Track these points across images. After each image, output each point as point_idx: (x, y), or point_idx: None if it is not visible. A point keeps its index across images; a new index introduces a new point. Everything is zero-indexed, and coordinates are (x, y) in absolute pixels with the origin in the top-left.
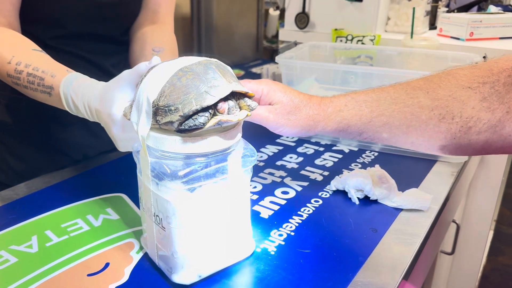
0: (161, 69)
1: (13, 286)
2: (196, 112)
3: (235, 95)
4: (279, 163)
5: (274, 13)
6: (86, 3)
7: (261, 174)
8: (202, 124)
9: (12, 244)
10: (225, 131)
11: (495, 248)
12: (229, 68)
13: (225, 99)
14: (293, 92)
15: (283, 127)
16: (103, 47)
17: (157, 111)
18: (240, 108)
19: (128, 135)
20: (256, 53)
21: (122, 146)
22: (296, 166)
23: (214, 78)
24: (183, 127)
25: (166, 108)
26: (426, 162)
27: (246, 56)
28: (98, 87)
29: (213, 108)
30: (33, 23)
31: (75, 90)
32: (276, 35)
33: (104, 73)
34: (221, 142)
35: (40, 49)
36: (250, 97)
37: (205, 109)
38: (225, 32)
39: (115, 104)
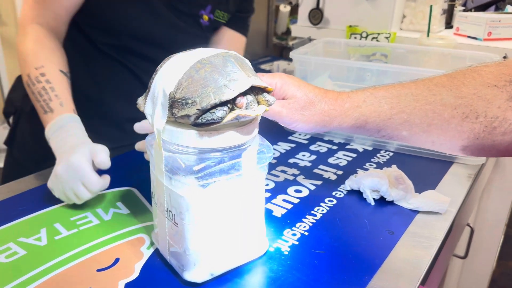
0: (178, 60)
1: (21, 279)
2: (214, 106)
3: (253, 90)
4: (291, 160)
5: (284, 9)
6: (146, 20)
7: (273, 172)
8: (220, 119)
9: (21, 236)
10: (242, 126)
11: (504, 252)
12: (247, 61)
13: (244, 93)
14: (307, 87)
15: (297, 122)
16: (149, 65)
17: (174, 103)
18: (258, 102)
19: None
20: (265, 50)
21: (53, 186)
22: (309, 164)
23: (233, 72)
24: (200, 120)
25: (183, 101)
26: (443, 164)
27: (255, 52)
28: (69, 149)
29: (231, 102)
30: (91, 27)
31: (63, 128)
32: (286, 32)
33: (144, 87)
34: (237, 137)
35: (66, 71)
36: (268, 92)
37: (223, 103)
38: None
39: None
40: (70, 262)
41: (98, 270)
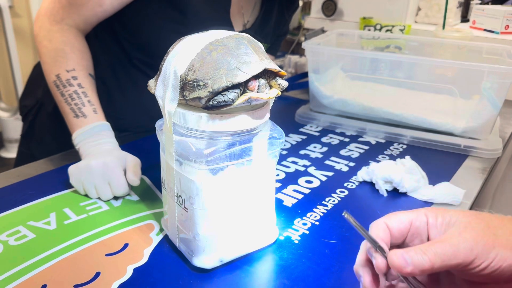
0: (190, 41)
1: (31, 261)
2: (226, 89)
3: (266, 73)
4: (302, 152)
5: None
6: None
7: (284, 162)
8: (231, 101)
9: (30, 220)
10: (254, 110)
11: None
12: (260, 44)
13: (256, 76)
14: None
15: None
16: None
17: (185, 85)
18: (271, 86)
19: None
20: None
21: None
22: (320, 155)
23: (246, 54)
24: (211, 103)
25: (195, 83)
26: (457, 157)
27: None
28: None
29: (242, 85)
30: (128, 41)
31: (97, 134)
32: (298, 28)
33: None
34: (249, 121)
35: (93, 75)
36: (281, 76)
37: (235, 86)
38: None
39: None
40: (79, 246)
41: (107, 255)
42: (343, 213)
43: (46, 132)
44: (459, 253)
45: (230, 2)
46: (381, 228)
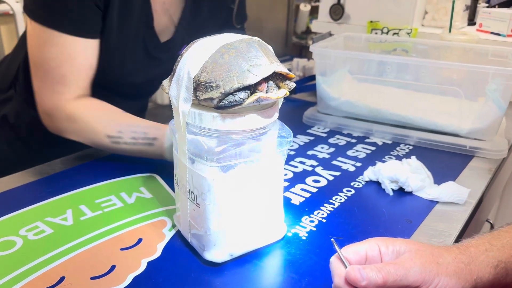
0: (203, 44)
1: (49, 255)
2: (237, 90)
3: (275, 76)
4: (310, 152)
5: (305, 8)
6: (142, 71)
7: (291, 163)
8: (242, 100)
9: (48, 216)
10: (263, 109)
11: None
12: (270, 47)
13: (266, 79)
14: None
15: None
16: (121, 100)
17: (198, 86)
18: (279, 87)
19: None
20: (285, 49)
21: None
22: (327, 156)
23: (257, 57)
24: (222, 103)
25: (207, 84)
26: (463, 157)
27: (274, 51)
28: None
29: (252, 86)
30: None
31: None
32: (306, 31)
33: None
34: (258, 120)
35: (125, 112)
36: (290, 78)
37: (246, 88)
38: (254, 26)
39: None
40: (95, 241)
41: (122, 249)
42: (331, 239)
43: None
44: (410, 276)
45: (152, 15)
46: (350, 251)
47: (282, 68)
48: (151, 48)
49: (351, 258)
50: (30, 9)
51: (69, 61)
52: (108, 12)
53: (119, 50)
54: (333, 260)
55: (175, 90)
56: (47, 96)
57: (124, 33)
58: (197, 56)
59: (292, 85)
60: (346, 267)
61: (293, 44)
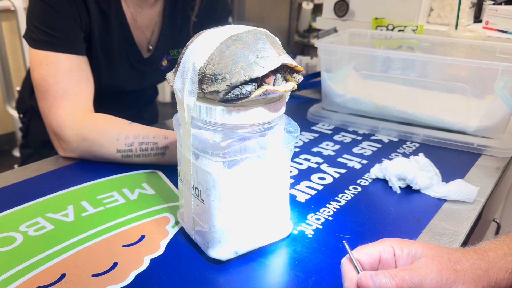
0: (209, 36)
1: (50, 251)
2: (244, 83)
3: (283, 68)
4: (315, 149)
5: (307, 7)
6: (131, 82)
7: (296, 160)
8: (248, 93)
9: (49, 212)
10: (270, 103)
11: None
12: (278, 39)
13: (274, 71)
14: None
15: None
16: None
17: (203, 79)
18: (287, 80)
19: None
20: (287, 47)
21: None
22: (333, 153)
23: (264, 49)
24: (228, 96)
25: (213, 77)
26: (470, 155)
27: None
28: None
29: (260, 79)
30: None
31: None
32: (308, 30)
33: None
34: (265, 114)
35: (133, 122)
36: (298, 71)
37: (252, 80)
38: (257, 24)
39: None
40: (97, 238)
41: (124, 246)
42: (344, 241)
43: (43, 129)
44: (425, 283)
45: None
46: (362, 253)
47: (290, 61)
48: (135, 62)
49: (364, 261)
50: (29, 37)
51: (67, 75)
52: (92, 33)
53: (106, 66)
54: (345, 262)
55: (180, 83)
56: (52, 113)
57: (108, 52)
58: (202, 48)
59: (300, 78)
60: (358, 271)
61: (295, 43)
